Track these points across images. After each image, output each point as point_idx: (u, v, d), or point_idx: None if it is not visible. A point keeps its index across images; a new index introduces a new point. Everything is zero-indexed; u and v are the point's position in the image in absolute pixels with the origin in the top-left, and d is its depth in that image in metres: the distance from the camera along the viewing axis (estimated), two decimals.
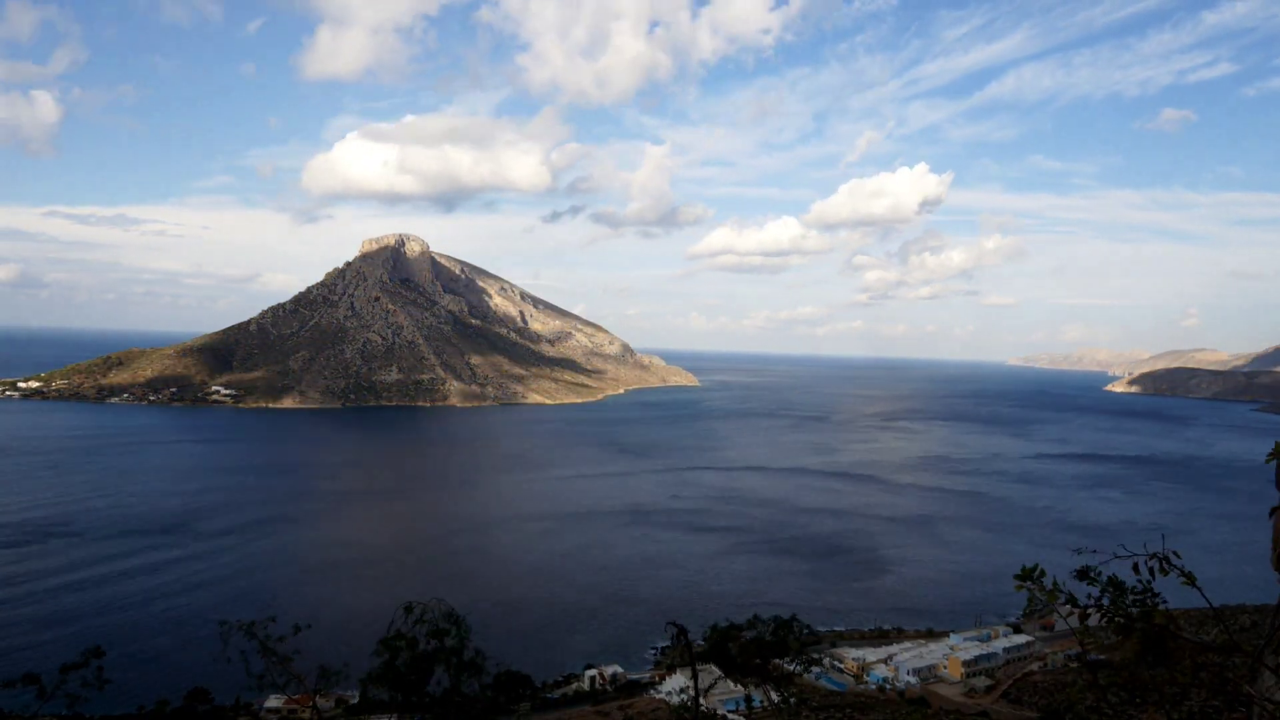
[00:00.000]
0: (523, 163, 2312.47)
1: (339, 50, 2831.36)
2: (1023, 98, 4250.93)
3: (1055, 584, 7.72)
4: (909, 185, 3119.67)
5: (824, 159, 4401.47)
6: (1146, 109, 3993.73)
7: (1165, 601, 7.79)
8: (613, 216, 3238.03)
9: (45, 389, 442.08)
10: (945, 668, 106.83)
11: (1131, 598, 7.64)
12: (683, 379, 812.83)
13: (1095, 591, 7.72)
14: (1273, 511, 7.91)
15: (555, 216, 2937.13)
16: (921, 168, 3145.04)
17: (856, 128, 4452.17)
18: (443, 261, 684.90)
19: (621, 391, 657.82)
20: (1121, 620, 7.66)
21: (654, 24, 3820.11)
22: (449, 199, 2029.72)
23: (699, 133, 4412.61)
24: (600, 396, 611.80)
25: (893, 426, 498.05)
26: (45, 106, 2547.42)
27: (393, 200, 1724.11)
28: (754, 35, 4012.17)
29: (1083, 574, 7.80)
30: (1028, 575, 7.81)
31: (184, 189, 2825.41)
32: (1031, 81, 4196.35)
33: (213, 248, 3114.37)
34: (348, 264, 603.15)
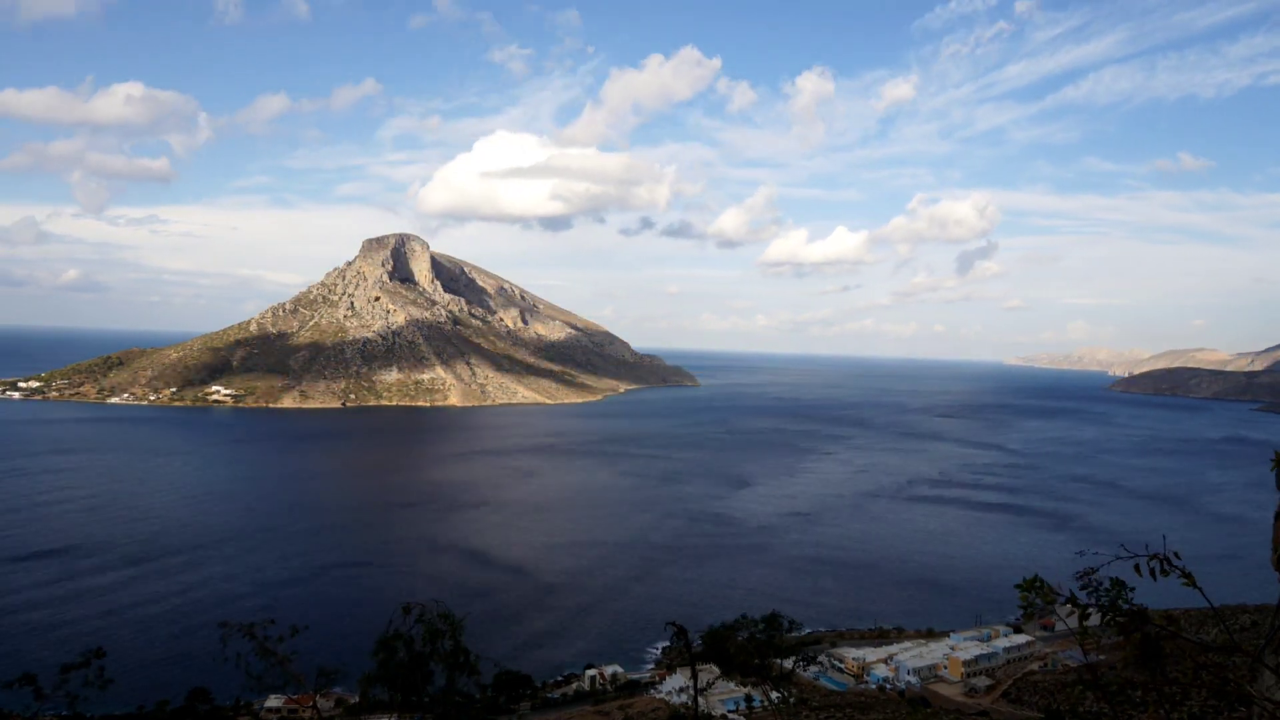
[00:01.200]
0: (659, 194, 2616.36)
1: (594, 124, 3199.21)
2: (1094, 100, 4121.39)
3: (1048, 588, 7.69)
4: (975, 214, 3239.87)
5: (881, 160, 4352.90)
6: (1220, 111, 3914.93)
7: (1136, 605, 7.81)
8: (697, 229, 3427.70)
9: (45, 389, 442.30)
10: (945, 667, 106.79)
11: (1126, 603, 7.63)
12: (683, 379, 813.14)
13: (1095, 595, 7.70)
14: (1278, 515, 7.91)
15: (645, 226, 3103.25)
16: (987, 195, 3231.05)
17: (923, 130, 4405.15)
18: (443, 261, 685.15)
19: (621, 391, 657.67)
20: (1122, 620, 7.64)
21: (822, 103, 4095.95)
22: (567, 219, 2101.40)
23: (757, 134, 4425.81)
24: (600, 396, 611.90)
25: (988, 419, 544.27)
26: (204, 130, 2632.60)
27: (513, 220, 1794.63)
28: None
29: (1085, 577, 7.78)
30: (1029, 586, 7.80)
31: (220, 189, 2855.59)
32: (1109, 84, 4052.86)
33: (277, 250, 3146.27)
34: (348, 264, 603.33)
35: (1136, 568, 7.41)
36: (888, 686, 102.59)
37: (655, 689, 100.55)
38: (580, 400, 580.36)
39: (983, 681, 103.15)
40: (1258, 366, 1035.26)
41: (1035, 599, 7.72)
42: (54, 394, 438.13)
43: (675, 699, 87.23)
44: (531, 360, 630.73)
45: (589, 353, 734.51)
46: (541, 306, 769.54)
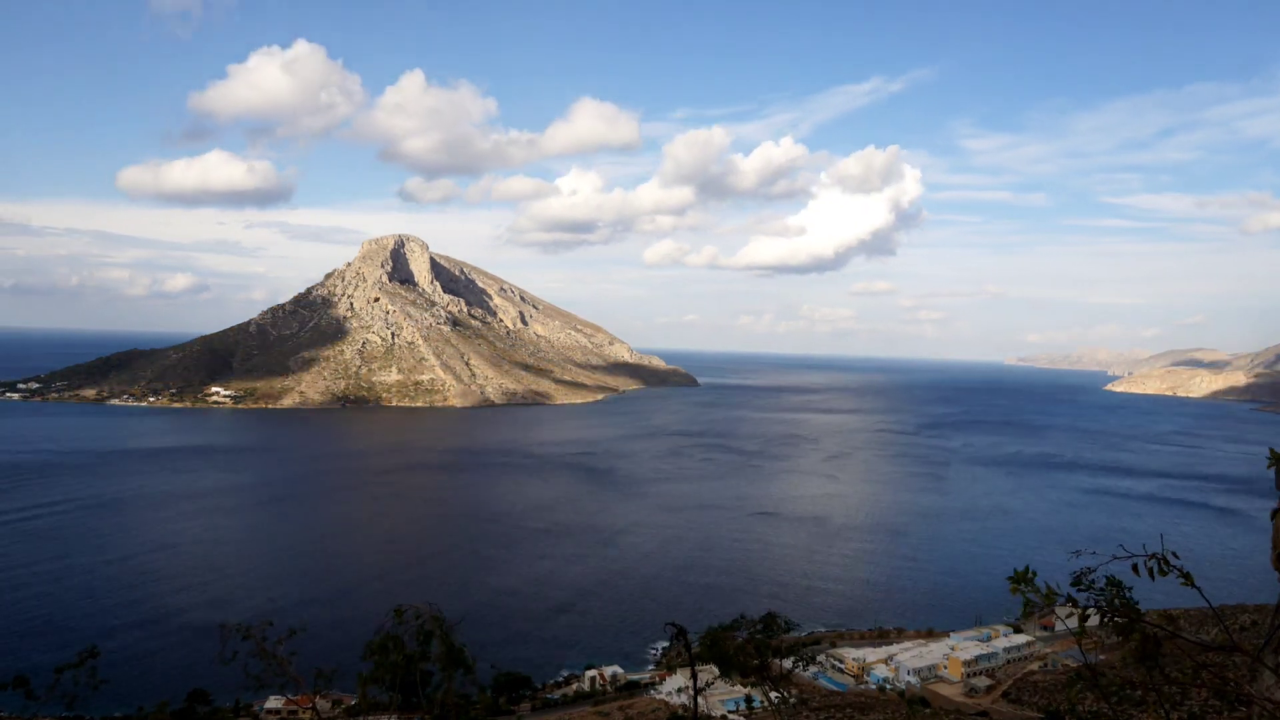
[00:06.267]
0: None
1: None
2: None
3: (1050, 588, 7.64)
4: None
5: (1104, 166, 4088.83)
6: None
7: (1136, 603, 7.75)
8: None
9: (45, 390, 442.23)
10: (945, 668, 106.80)
11: (1121, 600, 7.59)
12: (682, 379, 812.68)
13: (1091, 595, 7.65)
14: (1274, 514, 7.88)
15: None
16: (1163, 199, 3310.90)
17: (1189, 139, 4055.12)
18: (442, 262, 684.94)
19: (620, 391, 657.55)
20: (1121, 620, 7.61)
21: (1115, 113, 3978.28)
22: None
23: (1014, 138, 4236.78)
24: (600, 396, 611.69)
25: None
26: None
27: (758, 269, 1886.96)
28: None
29: (1079, 579, 7.73)
30: (1021, 579, 7.74)
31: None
32: None
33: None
34: (348, 264, 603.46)
35: (1134, 567, 7.38)
36: (888, 686, 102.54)
37: (655, 689, 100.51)
38: (580, 400, 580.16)
39: (983, 681, 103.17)
40: (1258, 366, 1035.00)
41: (1027, 592, 7.65)
42: (54, 395, 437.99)
43: (675, 699, 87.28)
44: (531, 361, 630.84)
45: (588, 353, 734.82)
46: (541, 307, 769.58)
